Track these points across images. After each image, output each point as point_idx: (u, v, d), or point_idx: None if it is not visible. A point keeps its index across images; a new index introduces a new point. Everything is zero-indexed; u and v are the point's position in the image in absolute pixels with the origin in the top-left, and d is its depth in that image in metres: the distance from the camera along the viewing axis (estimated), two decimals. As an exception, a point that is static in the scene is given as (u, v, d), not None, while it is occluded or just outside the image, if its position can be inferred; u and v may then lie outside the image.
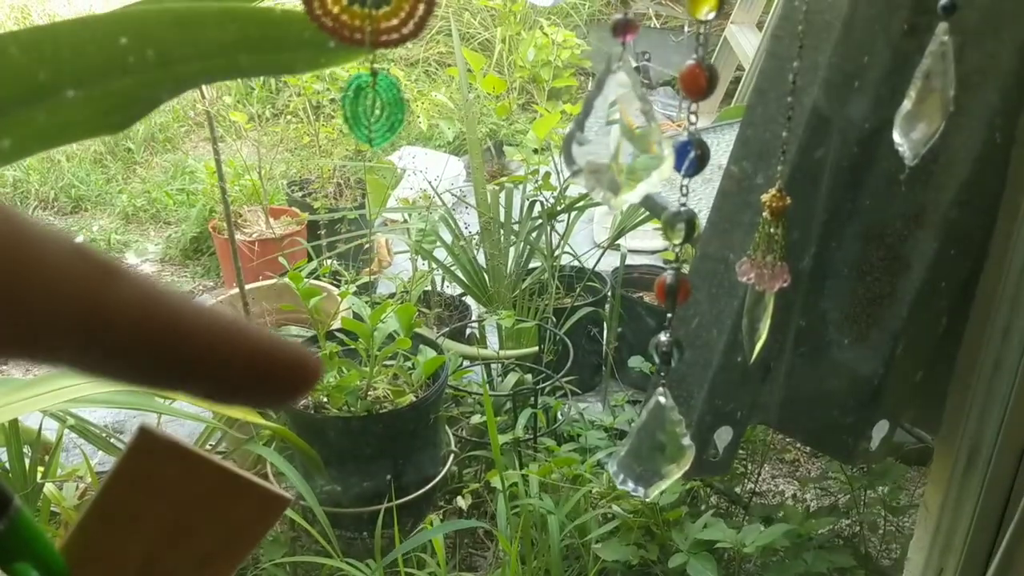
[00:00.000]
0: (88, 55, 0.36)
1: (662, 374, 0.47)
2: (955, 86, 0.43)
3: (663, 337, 0.46)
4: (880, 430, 0.82)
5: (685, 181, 0.43)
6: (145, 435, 0.38)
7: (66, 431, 1.64)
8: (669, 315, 0.46)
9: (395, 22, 0.35)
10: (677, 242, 0.43)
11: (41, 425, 1.57)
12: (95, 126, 0.43)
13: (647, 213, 2.14)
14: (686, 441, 0.50)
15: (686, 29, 4.23)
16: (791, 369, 0.74)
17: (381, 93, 0.36)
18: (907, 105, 0.45)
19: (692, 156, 0.41)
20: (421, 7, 0.35)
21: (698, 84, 0.40)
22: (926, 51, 0.43)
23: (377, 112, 0.36)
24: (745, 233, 0.63)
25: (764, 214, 0.45)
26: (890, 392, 0.80)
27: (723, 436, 0.69)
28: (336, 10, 0.35)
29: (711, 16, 0.39)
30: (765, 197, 0.44)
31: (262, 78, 4.19)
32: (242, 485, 0.41)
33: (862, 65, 0.57)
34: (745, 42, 3.30)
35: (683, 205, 0.43)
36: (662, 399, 0.48)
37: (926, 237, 0.73)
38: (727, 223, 0.63)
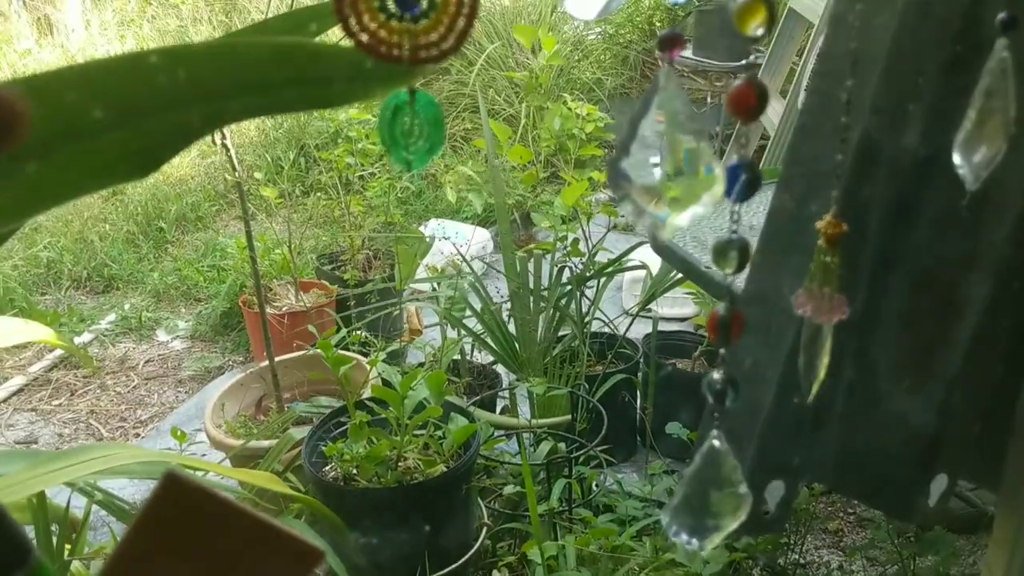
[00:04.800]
0: (132, 92, 0.35)
1: (715, 415, 0.45)
2: (1016, 106, 0.41)
3: (716, 375, 0.44)
4: (939, 485, 0.78)
5: (736, 207, 0.41)
6: (171, 480, 0.36)
7: (94, 507, 1.61)
8: (722, 351, 0.43)
9: (434, 37, 0.34)
10: (729, 271, 0.41)
11: (69, 501, 1.55)
12: (131, 168, 0.42)
13: (678, 277, 2.12)
14: (743, 489, 0.47)
15: (708, 101, 4.28)
16: (843, 422, 0.70)
17: (420, 112, 0.34)
18: (967, 126, 0.43)
19: (743, 180, 0.39)
20: (461, 20, 0.34)
21: (748, 103, 0.38)
22: (984, 69, 0.41)
23: (416, 133, 0.35)
24: (794, 272, 0.61)
25: (820, 242, 0.43)
26: (947, 444, 0.76)
27: (775, 491, 0.65)
28: (373, 25, 0.33)
29: (760, 32, 0.37)
30: (820, 224, 0.42)
31: (293, 155, 4.27)
32: (274, 535, 0.38)
33: (910, 97, 0.56)
34: (770, 109, 3.31)
35: (734, 232, 0.41)
36: (716, 443, 0.45)
37: (979, 279, 0.70)
38: (776, 262, 0.61)
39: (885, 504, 0.77)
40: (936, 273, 0.71)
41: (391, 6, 0.33)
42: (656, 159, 0.38)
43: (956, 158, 0.44)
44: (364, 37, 0.33)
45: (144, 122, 0.38)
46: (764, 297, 0.63)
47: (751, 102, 0.39)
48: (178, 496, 0.35)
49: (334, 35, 0.37)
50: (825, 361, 0.45)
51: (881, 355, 0.72)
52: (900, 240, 0.67)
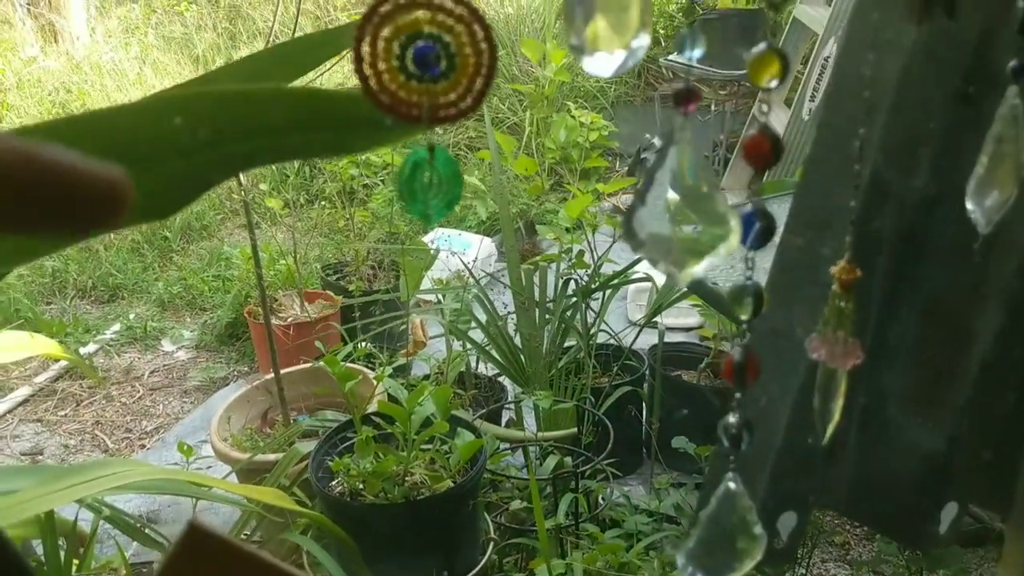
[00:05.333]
0: (143, 138, 0.35)
1: (731, 459, 0.45)
2: (1026, 151, 0.42)
3: (732, 419, 0.44)
4: (948, 512, 0.78)
5: (750, 254, 0.41)
6: (194, 531, 0.36)
7: (100, 521, 1.61)
8: (737, 395, 0.44)
9: (453, 96, 0.34)
10: (744, 317, 0.41)
11: (77, 516, 1.55)
12: (145, 212, 0.42)
13: (683, 290, 2.12)
14: (758, 530, 0.47)
15: (712, 108, 4.28)
16: (854, 450, 0.70)
17: (439, 168, 0.35)
18: (979, 171, 0.43)
19: (757, 228, 0.40)
20: (479, 81, 0.34)
21: (762, 152, 0.38)
22: (996, 115, 0.41)
23: (435, 188, 0.35)
24: (806, 307, 0.61)
25: (834, 287, 0.43)
26: (958, 472, 0.76)
27: (787, 522, 0.65)
28: (393, 86, 0.34)
29: (774, 84, 0.38)
30: (834, 269, 0.43)
31: (297, 164, 4.28)
32: (294, 584, 0.38)
33: (918, 135, 0.56)
34: (775, 119, 3.31)
35: (749, 278, 0.41)
36: (732, 485, 0.45)
37: (990, 310, 0.70)
38: (786, 296, 0.61)
39: (896, 531, 0.77)
40: (946, 304, 0.71)
41: (411, 67, 0.33)
42: (672, 210, 0.38)
43: (968, 203, 0.44)
44: (385, 99, 0.33)
45: (159, 168, 0.39)
46: (775, 330, 0.63)
47: (765, 151, 0.39)
48: (201, 548, 0.35)
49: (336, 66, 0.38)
50: (840, 404, 0.45)
51: (892, 384, 0.72)
52: (910, 272, 0.67)
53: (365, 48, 0.33)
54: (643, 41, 0.33)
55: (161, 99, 0.37)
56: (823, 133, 0.61)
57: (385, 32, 0.33)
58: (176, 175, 0.39)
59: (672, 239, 0.38)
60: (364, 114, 0.34)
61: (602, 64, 0.34)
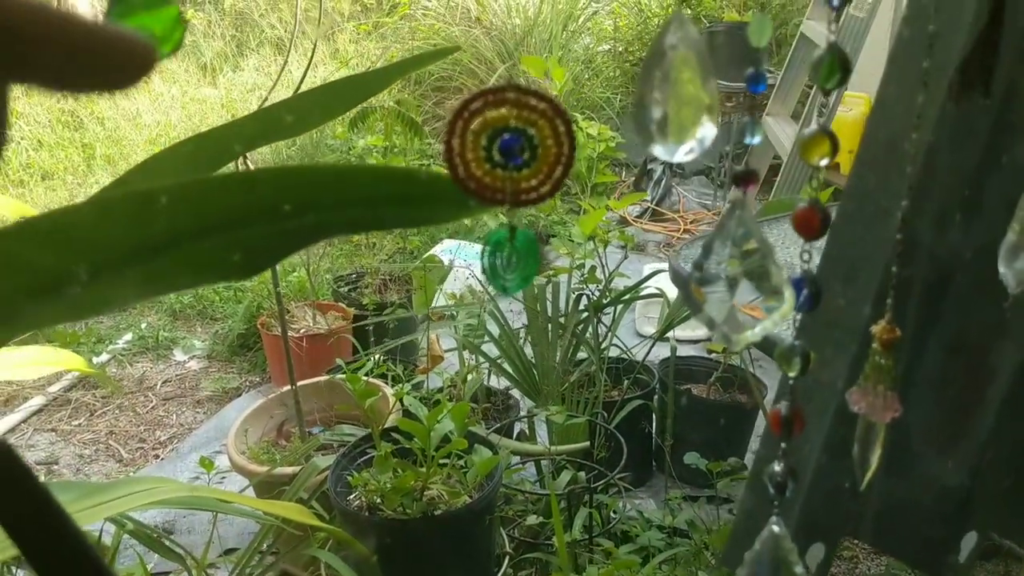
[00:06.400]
0: (234, 204, 0.38)
1: (775, 504, 0.47)
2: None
3: (777, 467, 0.47)
4: (969, 542, 0.80)
5: (798, 316, 0.44)
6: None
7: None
8: (783, 445, 0.46)
9: (534, 183, 0.37)
10: (792, 375, 0.44)
11: (101, 530, 1.58)
12: (231, 271, 0.45)
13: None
14: (799, 570, 0.50)
15: (718, 120, 4.31)
16: (880, 482, 0.73)
17: (518, 247, 0.38)
18: (1011, 236, 0.46)
19: (806, 294, 0.42)
20: (559, 170, 0.37)
21: (812, 226, 0.41)
22: (1029, 185, 0.44)
23: (512, 265, 0.38)
24: (834, 351, 0.64)
25: (874, 345, 0.46)
26: (978, 503, 0.79)
27: (816, 554, 0.68)
28: (479, 174, 0.36)
29: (824, 163, 0.40)
30: (875, 329, 0.45)
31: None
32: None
33: (947, 189, 0.59)
34: (781, 132, 3.34)
35: (796, 340, 0.44)
36: (776, 528, 0.48)
37: (1011, 346, 0.73)
38: (815, 341, 0.64)
39: (918, 560, 0.79)
40: (969, 339, 0.73)
41: (496, 157, 0.36)
42: (729, 279, 0.41)
43: (1000, 266, 0.46)
44: (471, 184, 0.36)
45: (246, 232, 0.41)
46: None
47: (815, 224, 0.42)
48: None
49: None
50: (879, 453, 0.48)
51: (915, 417, 0.75)
52: (935, 311, 0.70)
53: (455, 140, 0.36)
54: (710, 132, 0.36)
55: (256, 173, 0.40)
56: (853, 184, 0.63)
57: (474, 125, 0.36)
58: (264, 238, 0.42)
59: (727, 307, 0.41)
60: (452, 192, 0.37)
61: (670, 152, 0.37)
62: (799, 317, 0.44)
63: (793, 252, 1.59)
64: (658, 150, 0.36)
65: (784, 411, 0.45)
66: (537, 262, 0.38)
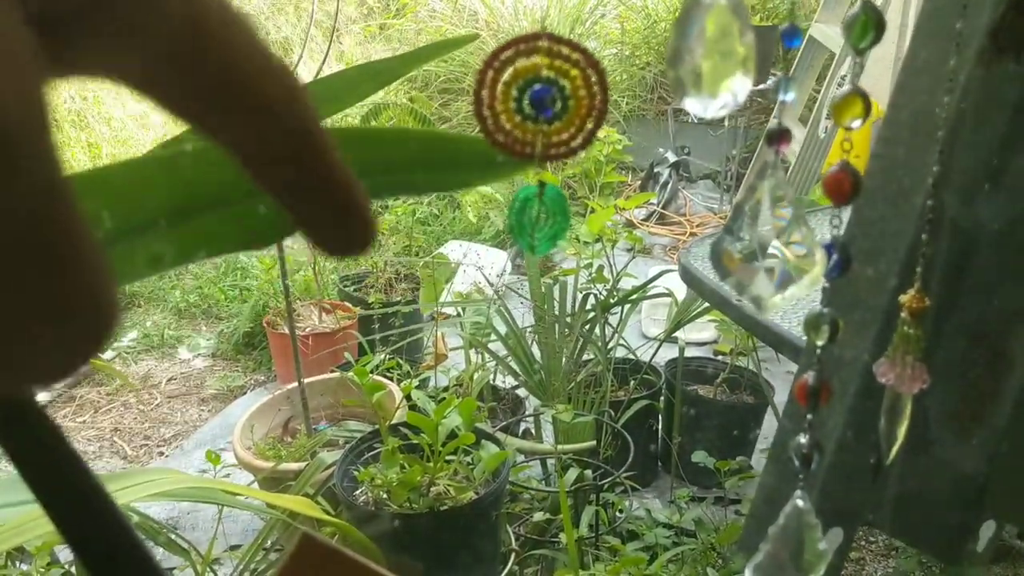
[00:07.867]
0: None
1: (801, 477, 0.47)
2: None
3: (803, 439, 0.46)
4: (987, 530, 0.79)
5: (826, 284, 0.43)
6: (307, 541, 0.39)
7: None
8: (809, 417, 0.46)
9: (565, 136, 0.36)
10: (820, 343, 0.44)
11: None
12: (249, 240, 0.44)
13: (704, 306, 2.14)
14: (822, 545, 0.49)
15: (725, 123, 4.31)
16: (898, 468, 0.72)
17: (547, 203, 0.37)
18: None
19: (836, 259, 0.42)
20: (591, 123, 0.36)
21: (842, 190, 0.41)
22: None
23: (542, 222, 0.37)
24: (854, 331, 0.63)
25: (903, 314, 0.45)
26: (996, 491, 0.78)
27: (834, 538, 0.67)
28: (509, 126, 0.36)
29: (857, 124, 0.40)
30: (904, 298, 0.45)
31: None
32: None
33: (972, 168, 0.58)
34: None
35: (825, 307, 0.43)
36: (800, 503, 0.47)
37: (1031, 332, 0.72)
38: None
39: (936, 548, 0.78)
40: (988, 326, 0.73)
41: (526, 108, 0.35)
42: (760, 243, 0.40)
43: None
44: (500, 137, 0.36)
45: (261, 200, 0.41)
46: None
47: (846, 187, 0.41)
48: (313, 558, 0.38)
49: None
50: (905, 426, 0.47)
51: (933, 404, 0.74)
52: (954, 293, 0.70)
53: (484, 91, 0.35)
54: (745, 85, 0.35)
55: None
56: (875, 163, 0.63)
57: (505, 76, 0.35)
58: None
59: (758, 269, 0.40)
60: (479, 152, 0.37)
61: (703, 105, 0.36)
62: (828, 286, 0.43)
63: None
64: (691, 103, 0.36)
65: (811, 381, 0.44)
66: (567, 219, 0.37)
